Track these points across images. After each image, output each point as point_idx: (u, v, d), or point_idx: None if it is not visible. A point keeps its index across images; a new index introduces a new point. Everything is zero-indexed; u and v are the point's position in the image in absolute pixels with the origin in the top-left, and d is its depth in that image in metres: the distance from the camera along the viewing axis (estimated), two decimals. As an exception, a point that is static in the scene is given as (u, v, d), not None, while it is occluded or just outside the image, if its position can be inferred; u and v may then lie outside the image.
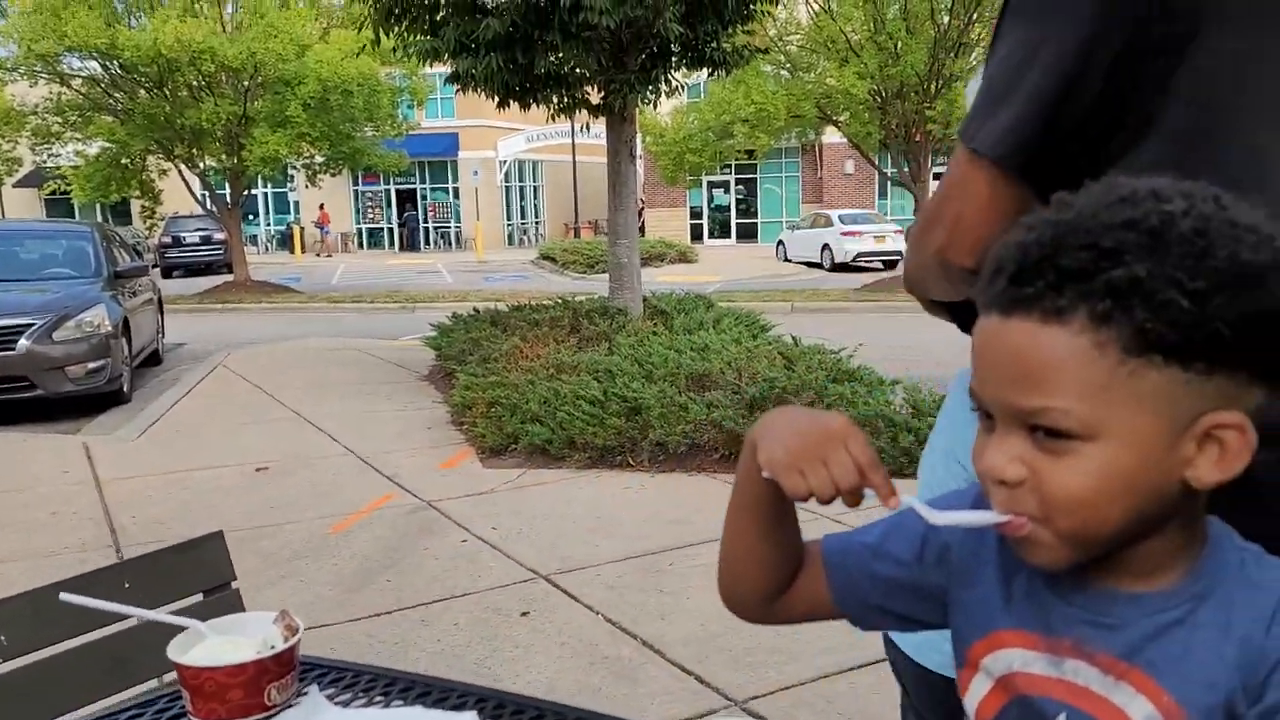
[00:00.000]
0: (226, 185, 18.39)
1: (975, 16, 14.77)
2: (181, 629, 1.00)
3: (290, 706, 0.97)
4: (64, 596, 1.03)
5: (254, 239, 34.59)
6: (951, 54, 15.04)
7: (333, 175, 20.13)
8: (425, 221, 37.14)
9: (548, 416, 6.11)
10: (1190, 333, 0.69)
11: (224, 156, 17.44)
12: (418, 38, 8.04)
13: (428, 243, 36.77)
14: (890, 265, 21.08)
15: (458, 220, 36.76)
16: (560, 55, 7.88)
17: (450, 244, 36.53)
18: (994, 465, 0.77)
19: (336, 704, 0.99)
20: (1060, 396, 0.72)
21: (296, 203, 36.54)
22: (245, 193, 19.24)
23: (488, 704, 0.97)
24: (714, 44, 8.04)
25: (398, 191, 37.28)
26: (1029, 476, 0.75)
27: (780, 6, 13.55)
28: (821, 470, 0.82)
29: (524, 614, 3.72)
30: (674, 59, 8.16)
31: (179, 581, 1.39)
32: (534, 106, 8.63)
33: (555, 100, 8.53)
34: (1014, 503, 0.77)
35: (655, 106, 8.87)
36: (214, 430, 7.00)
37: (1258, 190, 0.96)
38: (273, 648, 0.99)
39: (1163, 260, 0.69)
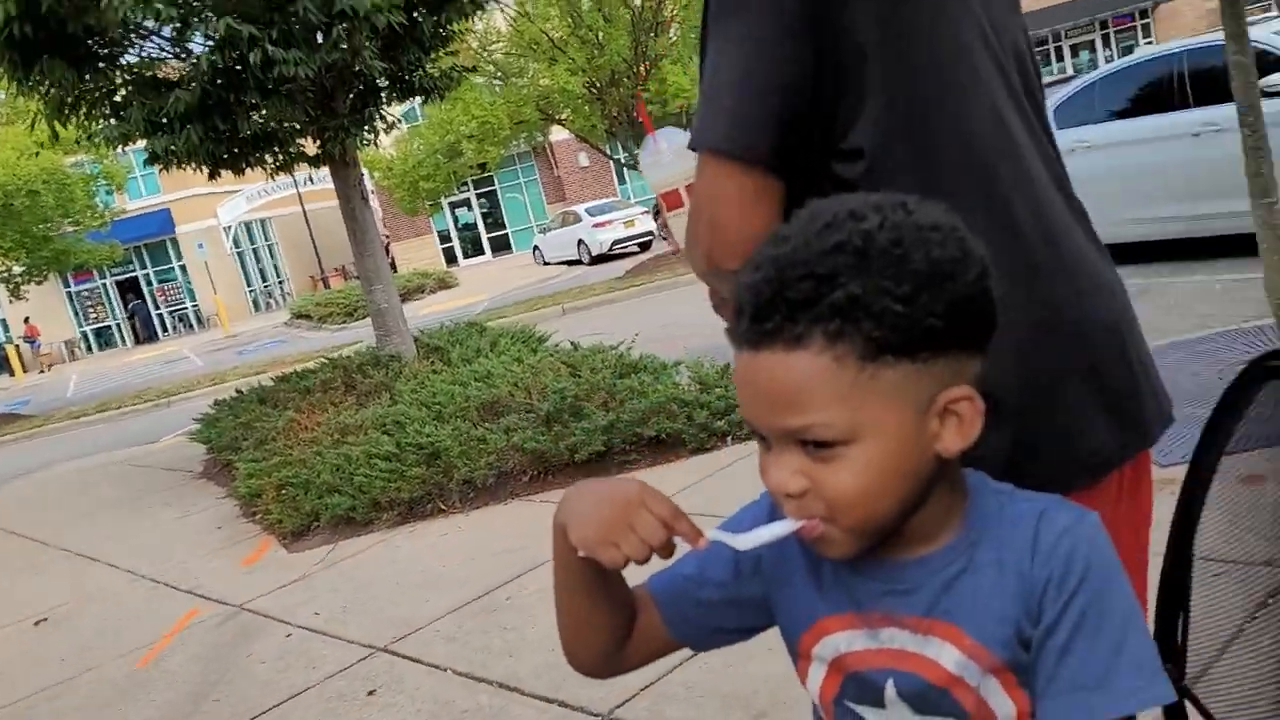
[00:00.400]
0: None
1: (663, -5, 15.37)
2: None
3: None
4: None
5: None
6: (652, 34, 15.55)
7: (38, 283, 18.40)
8: (157, 308, 34.69)
9: (344, 484, 5.87)
10: (909, 332, 0.79)
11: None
12: (101, 124, 7.46)
13: (165, 329, 34.40)
14: (645, 247, 21.61)
15: (193, 299, 34.57)
16: (264, 113, 7.54)
17: (191, 325, 34.33)
18: (779, 482, 0.85)
19: None
20: (817, 412, 0.81)
21: (3, 320, 33.18)
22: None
23: None
24: (419, 71, 7.93)
25: (118, 283, 34.62)
26: (810, 486, 0.84)
27: (477, 20, 13.57)
28: (631, 536, 0.87)
29: (370, 693, 3.57)
30: (383, 94, 7.99)
31: None
32: (249, 169, 8.22)
33: (270, 160, 8.16)
34: (804, 510, 0.85)
35: (375, 145, 8.66)
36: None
37: (955, 137, 1.08)
38: None
39: (871, 275, 0.79)
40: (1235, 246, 4.55)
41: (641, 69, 15.75)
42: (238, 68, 6.74)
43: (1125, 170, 7.42)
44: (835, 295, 0.79)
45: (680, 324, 9.72)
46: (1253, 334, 4.95)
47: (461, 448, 5.81)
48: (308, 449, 6.61)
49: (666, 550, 0.88)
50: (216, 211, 33.11)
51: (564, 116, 16.87)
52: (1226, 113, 5.92)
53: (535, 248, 26.56)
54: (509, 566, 4.48)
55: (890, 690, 0.90)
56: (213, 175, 7.98)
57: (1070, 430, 1.09)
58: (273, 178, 8.52)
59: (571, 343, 7.72)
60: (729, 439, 5.55)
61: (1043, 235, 1.11)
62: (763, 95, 1.06)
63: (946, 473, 0.88)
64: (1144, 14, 30.87)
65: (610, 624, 1.01)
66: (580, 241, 23.33)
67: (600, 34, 15.22)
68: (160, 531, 6.75)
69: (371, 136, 8.17)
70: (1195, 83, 7.06)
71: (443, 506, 5.69)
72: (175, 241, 33.92)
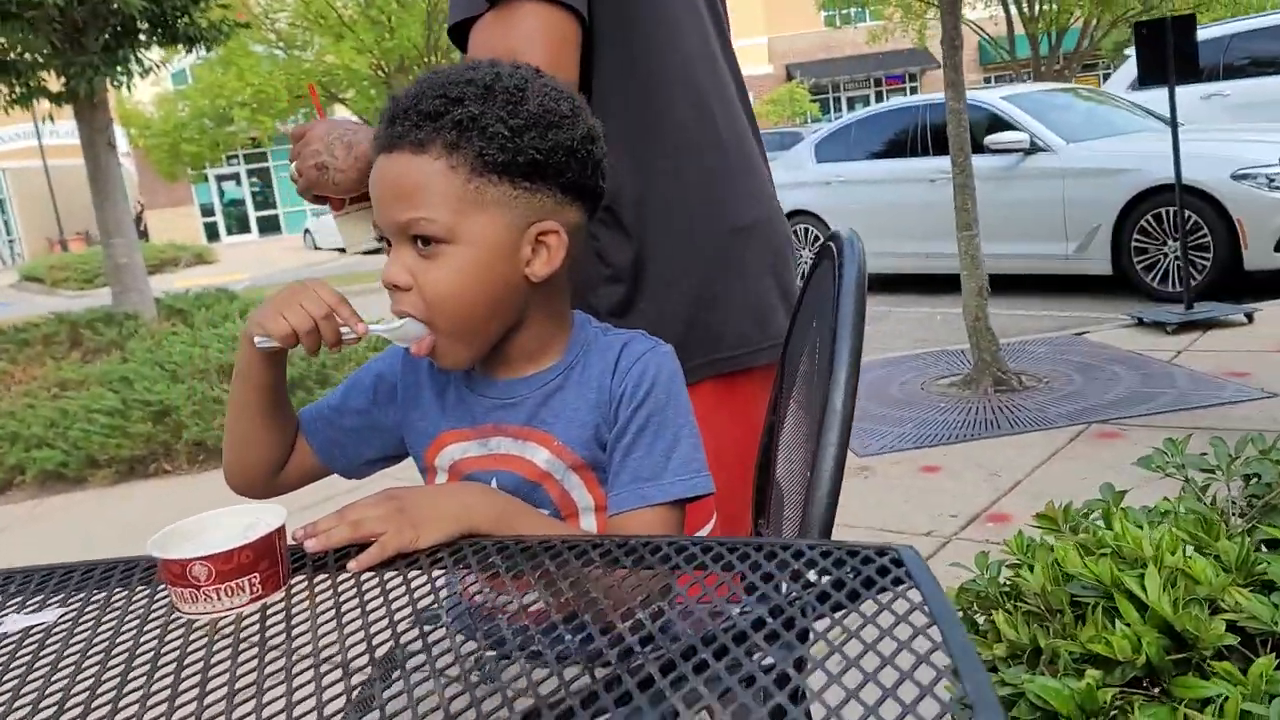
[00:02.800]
0: None
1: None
2: None
3: None
4: None
5: None
6: (445, 25, 15.41)
7: None
8: None
9: (57, 438, 5.46)
10: (514, 156, 0.95)
11: None
12: None
13: None
14: (370, 251, 21.15)
15: (-95, 249, 30.78)
16: (2, 39, 6.90)
17: (-100, 278, 30.47)
18: (389, 275, 0.98)
19: None
20: (427, 209, 0.95)
21: None
22: None
23: None
24: (186, 19, 7.51)
25: None
26: (414, 283, 0.97)
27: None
28: (298, 309, 0.96)
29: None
30: (142, 36, 7.49)
31: None
32: (-21, 98, 7.49)
33: (5, 91, 7.47)
34: (408, 305, 0.98)
35: (130, 90, 8.10)
36: None
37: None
38: None
39: (491, 104, 0.95)
40: (959, 285, 5.23)
41: (434, 59, 15.56)
42: (-27, -19, 6.17)
43: (873, 206, 8.09)
44: (457, 112, 0.95)
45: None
46: (954, 355, 5.55)
47: (194, 407, 5.55)
48: (19, 401, 6.09)
49: (331, 332, 0.98)
50: (-59, 155, 29.70)
51: (347, 97, 16.37)
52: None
53: (306, 231, 25.51)
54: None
55: (493, 485, 1.04)
56: (-66, 97, 7.22)
57: (762, 309, 1.30)
58: (8, 111, 7.79)
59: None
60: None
61: (737, 145, 1.39)
62: None
63: (545, 301, 1.04)
64: (913, 76, 33.68)
65: (270, 444, 1.10)
66: (356, 229, 22.60)
67: (392, 17, 14.93)
68: None
69: (125, 79, 7.63)
70: (935, 133, 7.82)
71: (168, 467, 5.41)
72: (-113, 183, 30.12)
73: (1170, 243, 6.31)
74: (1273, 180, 5.93)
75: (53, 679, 0.77)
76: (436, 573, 0.88)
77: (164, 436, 5.47)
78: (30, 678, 0.78)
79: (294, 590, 0.88)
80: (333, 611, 0.84)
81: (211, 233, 32.60)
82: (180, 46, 7.87)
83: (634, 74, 1.29)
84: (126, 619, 0.87)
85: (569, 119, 0.98)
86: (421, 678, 0.73)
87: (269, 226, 32.97)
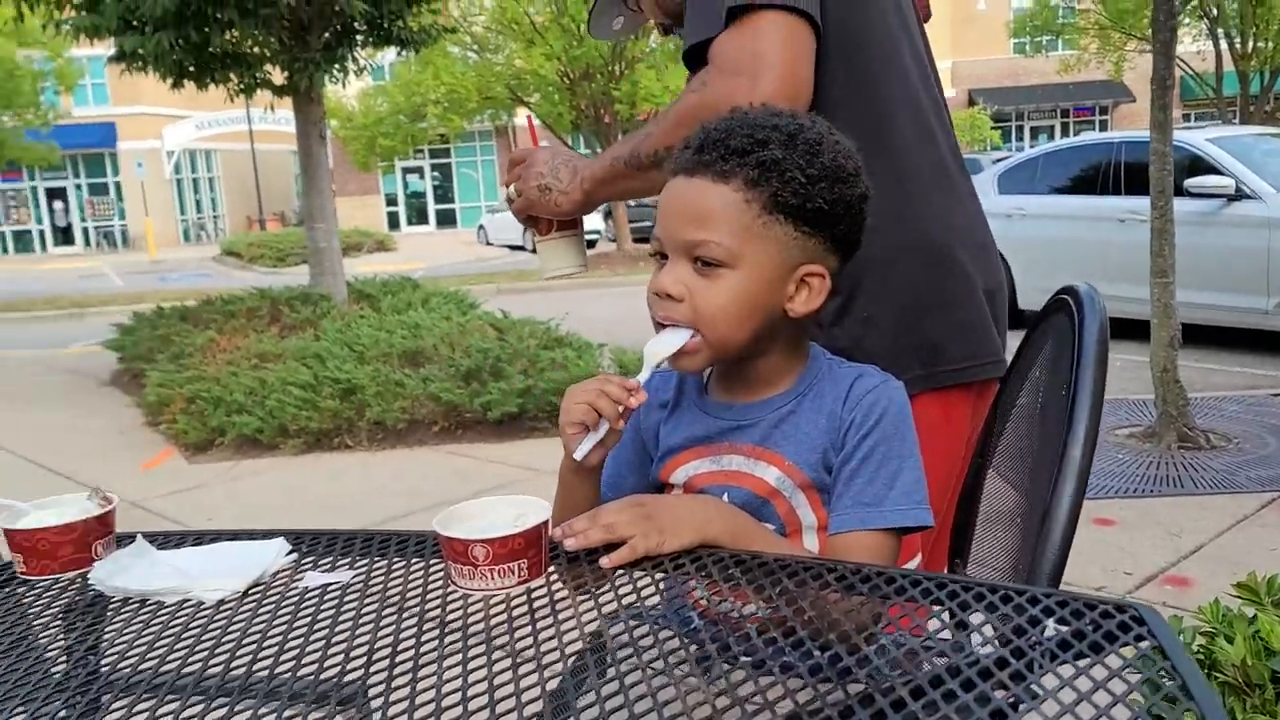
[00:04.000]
0: None
1: (651, 2, 15.54)
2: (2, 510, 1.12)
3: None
4: None
5: None
6: (633, 37, 15.75)
7: (-34, 170, 17.77)
8: (83, 220, 33.61)
9: (255, 406, 5.90)
10: (803, 202, 1.05)
11: None
12: (73, 14, 7.35)
13: (88, 243, 33.33)
14: (590, 245, 21.65)
15: (122, 218, 33.57)
16: (238, 33, 7.52)
17: (116, 244, 33.29)
18: (663, 285, 1.09)
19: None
20: (718, 233, 1.06)
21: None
22: None
23: (291, 537, 1.09)
24: (400, 22, 7.99)
25: (47, 190, 33.46)
26: (687, 295, 1.08)
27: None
28: (579, 399, 1.08)
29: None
30: (359, 37, 8.02)
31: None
32: (212, 88, 8.15)
33: (234, 80, 8.12)
34: (675, 313, 1.08)
35: (344, 85, 8.66)
36: None
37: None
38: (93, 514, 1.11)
39: (792, 152, 1.05)
40: (1143, 331, 4.97)
41: (617, 68, 15.93)
42: (220, -20, 6.74)
43: (1056, 242, 7.82)
44: (762, 154, 1.05)
45: (612, 319, 9.86)
46: (1136, 404, 5.32)
47: (378, 388, 5.89)
48: (223, 368, 6.60)
49: (607, 402, 1.07)
50: (162, 133, 32.28)
51: (533, 100, 16.96)
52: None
53: (481, 226, 26.48)
54: (402, 505, 4.59)
55: (725, 499, 1.13)
56: (176, 85, 7.91)
57: (978, 328, 1.35)
58: (233, 99, 8.46)
59: (501, 311, 7.84)
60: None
61: (956, 166, 1.47)
62: None
63: (792, 334, 1.13)
64: (1104, 110, 32.15)
65: (589, 500, 1.20)
66: (526, 229, 23.28)
67: (582, 26, 15.37)
68: (58, 429, 6.67)
69: (341, 76, 8.18)
70: (1129, 172, 7.49)
71: (350, 443, 5.77)
72: (114, 157, 32.95)
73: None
74: None
75: (357, 632, 0.89)
76: (650, 576, 0.96)
77: (348, 413, 5.83)
78: (338, 629, 0.90)
79: (551, 578, 0.98)
80: (587, 599, 0.93)
81: (393, 222, 34.30)
82: (393, 47, 8.37)
83: (861, 93, 1.36)
84: (409, 586, 0.98)
85: (853, 177, 1.08)
86: (641, 675, 0.80)
87: (446, 219, 34.46)
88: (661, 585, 0.98)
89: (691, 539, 1.01)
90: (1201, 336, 6.63)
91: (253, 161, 31.72)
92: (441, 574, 1.00)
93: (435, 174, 34.78)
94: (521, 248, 23.45)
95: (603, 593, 0.95)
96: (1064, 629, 0.80)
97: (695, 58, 1.35)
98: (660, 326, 1.11)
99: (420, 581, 1.00)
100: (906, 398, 1.13)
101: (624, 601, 0.92)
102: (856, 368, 1.15)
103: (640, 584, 0.95)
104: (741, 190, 1.05)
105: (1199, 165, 6.96)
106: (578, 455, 1.08)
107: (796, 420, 1.13)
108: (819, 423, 1.11)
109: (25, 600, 1.02)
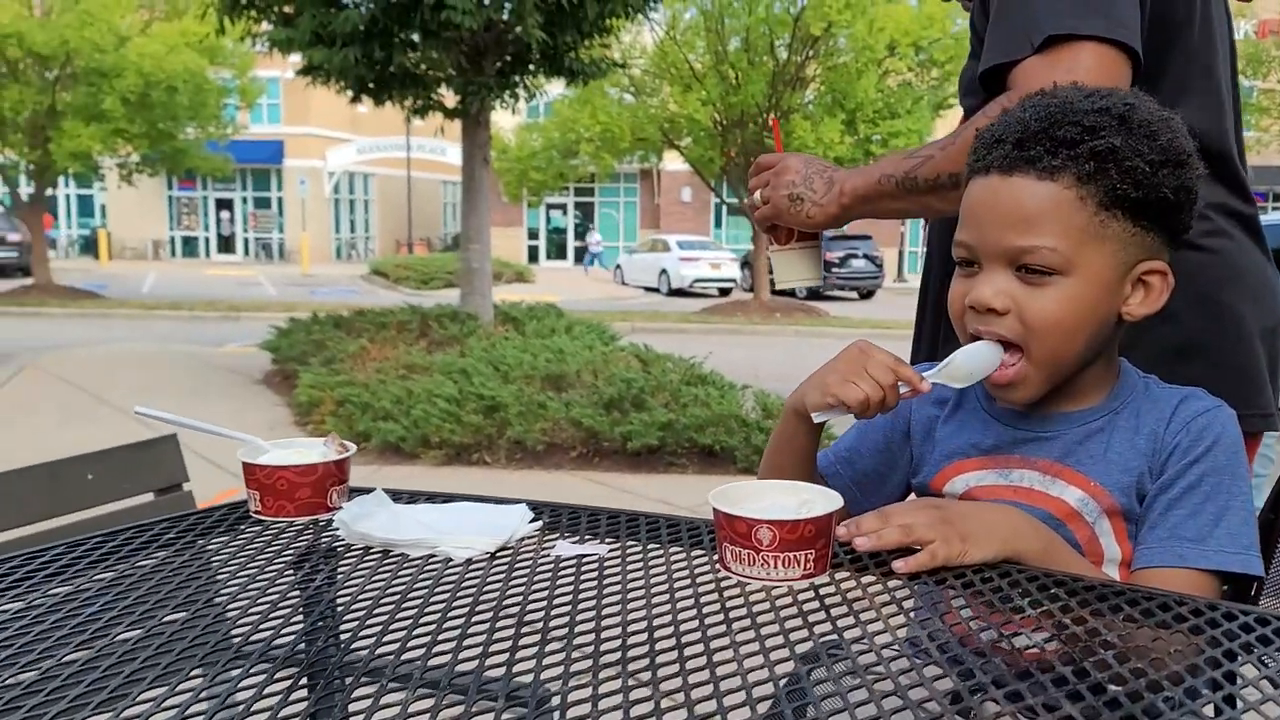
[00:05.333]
0: (28, 182, 17.02)
1: (811, 54, 15.54)
2: (244, 444, 1.10)
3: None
4: (138, 410, 1.16)
5: (53, 243, 32.08)
6: (789, 88, 15.74)
7: (151, 175, 18.97)
8: (246, 231, 35.54)
9: (401, 414, 5.99)
10: (1147, 193, 0.91)
11: (26, 149, 16.14)
12: (270, 29, 7.76)
13: (248, 252, 35.17)
14: (725, 292, 21.66)
15: (281, 231, 35.33)
16: (418, 54, 7.78)
17: (273, 255, 35.02)
18: (983, 296, 0.95)
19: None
20: (1048, 237, 0.92)
21: (103, 206, 34.21)
22: (47, 192, 17.85)
23: (531, 505, 1.01)
24: (572, 53, 8.13)
25: (217, 200, 35.53)
26: (1013, 307, 0.94)
27: (626, 31, 13.85)
28: (869, 379, 0.96)
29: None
30: (532, 65, 8.20)
31: (136, 479, 1.39)
32: (387, 106, 8.46)
33: (410, 100, 8.40)
34: (995, 326, 0.95)
35: (514, 112, 8.87)
36: (38, 426, 6.47)
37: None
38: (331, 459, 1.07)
39: (1129, 137, 0.91)
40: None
41: (767, 116, 15.91)
42: (409, 1, 6.98)
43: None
44: (1097, 142, 0.91)
45: (750, 362, 9.74)
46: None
47: (520, 408, 5.90)
48: (372, 375, 6.75)
49: (894, 392, 0.97)
50: (325, 154, 33.91)
51: (684, 144, 17.09)
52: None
53: (618, 266, 26.78)
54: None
55: None
56: (355, 99, 8.23)
57: (1246, 375, 1.17)
58: (409, 119, 8.74)
59: (644, 344, 7.80)
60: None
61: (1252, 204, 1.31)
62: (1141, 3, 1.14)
63: (1115, 341, 1.00)
64: (1279, 196, 30.38)
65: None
66: (663, 271, 23.47)
67: (740, 74, 15.44)
68: (210, 419, 6.89)
69: (513, 101, 8.37)
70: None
71: (488, 459, 5.78)
72: (280, 173, 34.76)
73: None
74: None
75: (628, 607, 0.79)
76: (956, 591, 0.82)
77: (489, 430, 5.85)
78: (605, 602, 0.80)
79: (836, 576, 0.86)
80: (883, 600, 0.80)
81: (532, 255, 35.04)
82: (562, 78, 8.54)
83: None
84: (674, 568, 0.87)
85: (1192, 158, 0.95)
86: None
87: (584, 257, 35.00)
88: (911, 603, 0.84)
89: (998, 551, 0.88)
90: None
91: (407, 187, 32.95)
92: (706, 561, 0.89)
93: (578, 211, 35.45)
94: (656, 290, 23.60)
95: (886, 603, 0.82)
96: None
97: (993, 79, 1.22)
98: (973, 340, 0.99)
99: (685, 564, 0.89)
100: (1238, 426, 0.98)
101: (894, 624, 0.79)
102: (1181, 389, 1.01)
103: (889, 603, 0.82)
104: (1074, 187, 0.92)
105: None
106: (819, 418, 0.98)
107: (1108, 438, 0.99)
108: (1136, 443, 0.97)
109: (259, 540, 0.96)
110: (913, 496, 1.12)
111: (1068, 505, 0.98)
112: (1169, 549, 0.93)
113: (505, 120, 12.84)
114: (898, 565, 0.86)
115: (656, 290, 23.59)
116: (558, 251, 35.67)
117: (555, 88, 9.91)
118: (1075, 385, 1.01)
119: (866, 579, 0.86)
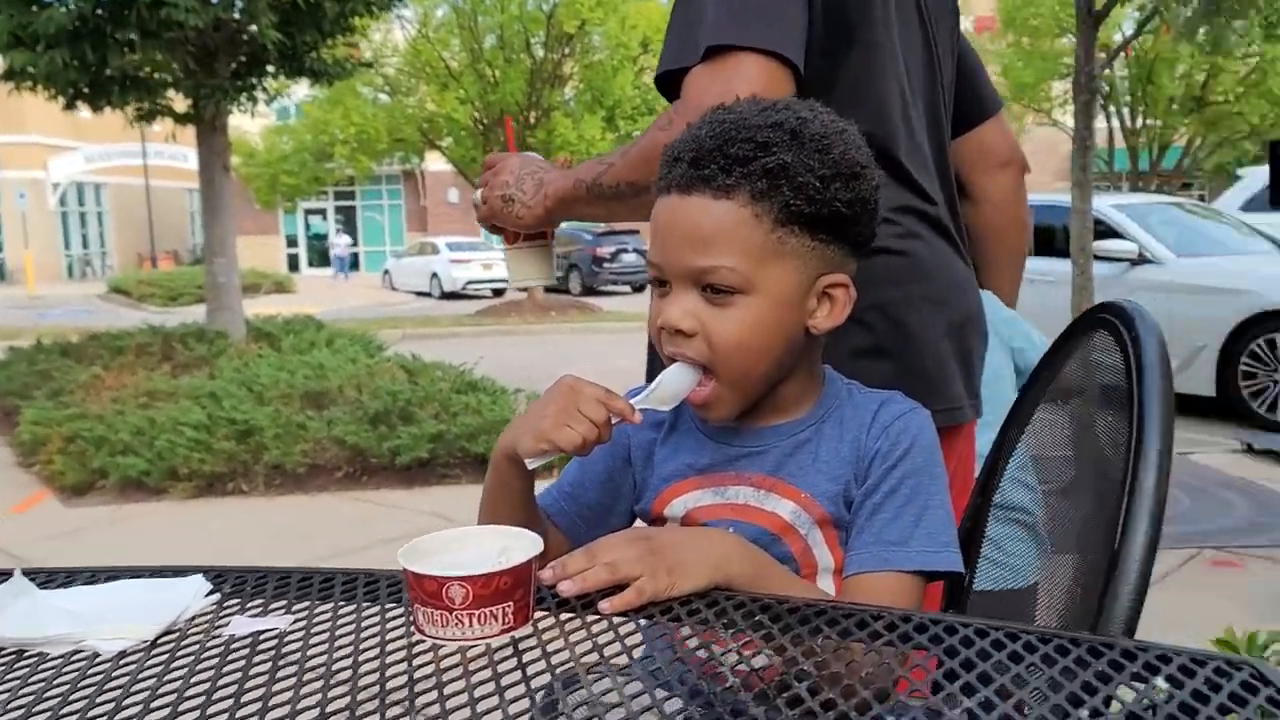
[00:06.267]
0: None
1: (567, 51, 15.63)
2: None
3: None
4: None
5: None
6: (548, 85, 15.76)
7: None
8: (-42, 251, 31.84)
9: (143, 447, 5.50)
10: (819, 208, 0.91)
11: None
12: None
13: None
14: (499, 293, 21.46)
15: (0, 250, 31.91)
16: (139, 55, 7.17)
17: (-9, 277, 31.58)
18: (672, 318, 0.94)
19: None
20: (727, 257, 0.91)
21: None
22: None
23: (210, 574, 0.89)
24: (314, 53, 7.75)
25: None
26: (700, 329, 0.93)
27: (375, 29, 13.41)
28: (582, 419, 0.92)
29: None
30: (271, 67, 7.74)
31: None
32: (108, 112, 7.76)
33: (134, 106, 7.73)
34: (687, 348, 0.94)
35: (252, 115, 8.35)
36: None
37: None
38: None
39: (800, 152, 0.90)
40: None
41: (533, 115, 15.89)
42: (123, -2, 6.42)
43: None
44: (769, 159, 0.90)
45: (523, 365, 9.66)
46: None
47: (277, 430, 5.57)
48: (108, 406, 6.17)
49: (607, 429, 0.93)
50: (47, 164, 30.87)
51: (445, 144, 16.75)
52: (1059, 268, 6.54)
53: (386, 271, 26.00)
54: (301, 556, 4.29)
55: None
56: (69, 106, 7.48)
57: (937, 376, 1.21)
58: (132, 125, 8.04)
59: (412, 354, 7.57)
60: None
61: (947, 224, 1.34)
62: (805, 14, 1.15)
63: (811, 353, 1.00)
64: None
65: None
66: (434, 274, 22.95)
67: (498, 72, 15.31)
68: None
69: (250, 105, 7.87)
70: (1037, 235, 7.69)
71: (245, 487, 5.41)
72: (-6, 186, 31.35)
73: (1286, 370, 6.08)
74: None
75: (301, 693, 0.70)
76: (633, 624, 0.80)
77: (244, 456, 5.49)
78: (276, 688, 0.71)
79: (539, 624, 0.81)
80: (584, 649, 0.76)
81: (292, 264, 33.36)
82: (304, 79, 8.13)
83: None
84: (364, 636, 0.80)
85: (867, 170, 0.95)
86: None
87: (349, 263, 33.69)
88: (648, 637, 0.81)
89: (709, 579, 0.86)
90: (1106, 395, 6.78)
91: (146, 197, 30.53)
92: (404, 620, 0.82)
93: (339, 216, 34.05)
94: (428, 294, 23.05)
95: (579, 643, 0.78)
96: (1183, 691, 0.67)
97: (671, 83, 1.22)
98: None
99: (377, 629, 0.81)
100: (934, 428, 1.01)
101: (606, 653, 0.76)
102: (880, 393, 1.03)
103: (624, 631, 0.79)
104: (749, 205, 0.91)
105: (1102, 229, 7.19)
106: (533, 464, 0.94)
107: (816, 448, 0.99)
108: (841, 451, 0.98)
109: None
110: (639, 523, 1.10)
111: (781, 519, 0.98)
112: (875, 554, 0.95)
113: (251, 123, 12.08)
114: (604, 606, 0.82)
115: (428, 294, 23.04)
116: (320, 259, 34.13)
117: (301, 89, 9.43)
118: (780, 398, 1.00)
119: (589, 625, 0.81)
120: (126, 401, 6.28)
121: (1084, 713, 0.66)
